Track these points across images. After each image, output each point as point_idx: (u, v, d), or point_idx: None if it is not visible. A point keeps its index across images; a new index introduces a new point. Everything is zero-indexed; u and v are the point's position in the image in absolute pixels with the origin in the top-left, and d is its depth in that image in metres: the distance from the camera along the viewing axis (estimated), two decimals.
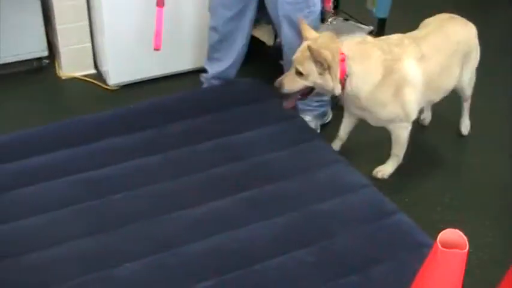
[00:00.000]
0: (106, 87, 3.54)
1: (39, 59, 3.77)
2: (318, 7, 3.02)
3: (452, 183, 3.00)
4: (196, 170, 2.57)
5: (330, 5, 3.16)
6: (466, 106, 3.25)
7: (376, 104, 2.69)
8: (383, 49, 2.67)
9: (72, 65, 3.72)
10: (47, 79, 3.72)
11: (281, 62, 3.54)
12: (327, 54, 2.54)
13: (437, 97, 2.95)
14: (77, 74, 3.73)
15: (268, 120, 2.83)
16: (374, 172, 2.88)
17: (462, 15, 3.03)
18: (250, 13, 3.15)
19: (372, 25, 4.05)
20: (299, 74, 2.62)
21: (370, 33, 4.00)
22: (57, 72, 3.76)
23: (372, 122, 2.82)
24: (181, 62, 3.71)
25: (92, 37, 3.70)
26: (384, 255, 2.20)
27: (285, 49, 3.04)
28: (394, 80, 2.65)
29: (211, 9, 3.17)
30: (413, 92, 2.71)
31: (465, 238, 1.52)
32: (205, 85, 3.36)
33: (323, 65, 2.55)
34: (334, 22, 4.14)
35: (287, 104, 2.78)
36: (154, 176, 2.52)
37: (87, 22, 3.65)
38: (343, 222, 2.32)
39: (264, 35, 3.85)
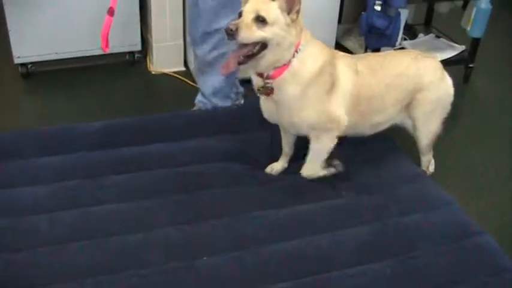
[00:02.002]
0: (194, 84, 3.61)
1: (132, 53, 3.90)
2: None
3: None
4: (274, 177, 2.61)
5: None
6: (423, 162, 2.80)
7: (307, 99, 2.34)
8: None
9: (163, 61, 3.83)
10: (137, 73, 3.84)
11: None
12: (298, 1, 2.19)
13: (363, 126, 2.57)
14: (167, 70, 3.82)
15: None
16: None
17: None
18: None
19: (465, 44, 4.00)
20: (260, 21, 2.15)
21: (462, 52, 3.95)
22: (148, 66, 3.87)
23: (291, 129, 2.49)
24: None
25: (185, 35, 3.78)
26: (464, 276, 2.14)
27: None
28: (330, 74, 2.36)
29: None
30: (343, 97, 2.41)
31: None
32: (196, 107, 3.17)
33: (293, 11, 2.19)
34: (426, 38, 4.12)
35: (226, 67, 2.27)
36: (242, 178, 2.56)
37: (181, 21, 3.74)
38: (425, 238, 2.28)
39: (356, 47, 3.86)
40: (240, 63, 2.23)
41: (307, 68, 2.30)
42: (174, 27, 3.75)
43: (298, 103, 2.35)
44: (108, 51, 2.72)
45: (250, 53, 2.21)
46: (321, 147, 2.49)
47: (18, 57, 3.62)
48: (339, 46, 3.94)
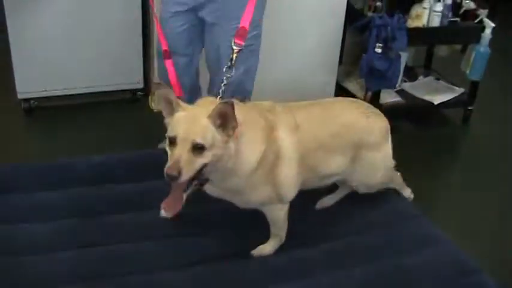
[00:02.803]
0: None
1: (135, 90, 3.93)
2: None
3: None
4: None
5: None
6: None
7: (251, 185, 2.16)
8: (261, 115, 2.20)
9: None
10: (138, 110, 3.86)
11: None
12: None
13: (314, 180, 2.40)
14: None
15: None
16: (252, 252, 2.35)
17: None
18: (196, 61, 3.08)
19: (464, 87, 4.04)
20: (198, 149, 1.93)
21: (461, 95, 3.99)
22: (149, 105, 3.90)
23: (240, 205, 2.27)
24: None
25: None
26: None
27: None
28: (271, 153, 2.16)
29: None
30: (288, 167, 2.22)
31: None
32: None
33: (229, 128, 1.98)
34: (425, 80, 4.17)
35: (173, 209, 2.06)
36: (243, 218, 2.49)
37: None
38: (423, 278, 2.28)
39: (357, 89, 3.89)
40: (185, 199, 2.06)
41: (246, 162, 2.11)
42: None
43: (243, 191, 2.19)
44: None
45: (190, 180, 1.99)
46: (274, 221, 2.34)
47: (22, 92, 3.65)
48: (340, 88, 3.98)
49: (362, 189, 2.57)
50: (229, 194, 2.23)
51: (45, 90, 3.69)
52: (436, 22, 3.65)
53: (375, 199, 2.67)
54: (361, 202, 2.65)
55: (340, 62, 3.92)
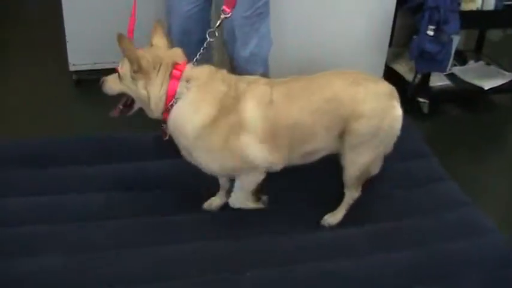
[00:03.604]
0: None
1: None
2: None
3: None
4: (322, 197, 2.62)
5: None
6: (345, 198, 2.52)
7: (205, 150, 2.24)
8: (230, 84, 2.25)
9: None
10: None
11: (419, 100, 3.53)
12: (141, 55, 2.14)
13: (291, 158, 2.35)
14: None
15: (399, 156, 2.80)
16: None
17: None
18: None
19: None
20: (119, 76, 2.25)
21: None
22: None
23: (206, 170, 2.35)
24: None
25: None
26: None
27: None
28: (230, 122, 2.20)
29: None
30: (253, 138, 2.22)
31: None
32: None
33: (134, 66, 2.15)
34: (476, 64, 4.10)
35: (113, 112, 2.38)
36: (277, 199, 2.57)
37: None
38: (467, 265, 2.28)
39: (406, 71, 3.85)
40: (121, 113, 2.35)
41: (188, 122, 2.20)
42: None
43: (197, 155, 2.27)
44: None
45: (126, 103, 2.32)
46: (245, 185, 2.41)
47: (73, 64, 3.70)
48: (389, 69, 3.94)
49: (350, 168, 2.40)
50: (190, 157, 2.29)
51: (97, 63, 3.73)
52: (490, 5, 3.57)
53: (424, 183, 2.67)
54: (410, 187, 2.65)
55: (390, 44, 3.88)
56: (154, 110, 2.21)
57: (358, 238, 2.37)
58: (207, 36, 2.37)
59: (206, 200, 2.53)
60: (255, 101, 2.23)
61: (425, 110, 3.67)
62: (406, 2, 3.65)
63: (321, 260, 2.25)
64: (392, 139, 2.41)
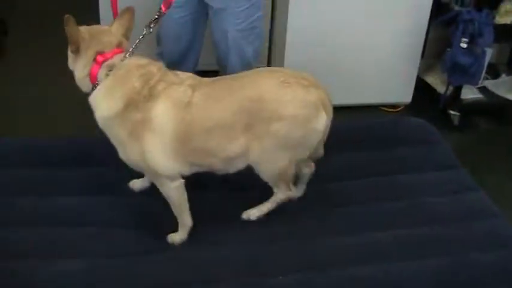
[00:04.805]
0: None
1: None
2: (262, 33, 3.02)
3: None
4: (353, 202, 2.61)
5: None
6: (275, 194, 2.44)
7: (112, 137, 2.24)
8: (147, 82, 2.19)
9: None
10: None
11: (450, 112, 3.54)
12: (76, 31, 2.16)
13: (211, 162, 2.28)
14: None
15: (432, 164, 2.81)
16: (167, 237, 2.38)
17: None
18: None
19: None
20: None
21: None
22: None
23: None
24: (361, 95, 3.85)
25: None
26: None
27: None
28: (135, 119, 2.16)
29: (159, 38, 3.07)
30: (158, 142, 2.17)
31: None
32: None
33: (72, 48, 2.20)
34: (508, 78, 4.10)
35: None
36: (306, 203, 2.58)
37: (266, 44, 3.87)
38: (493, 277, 2.27)
39: (437, 83, 3.86)
40: None
41: (97, 108, 2.23)
42: None
43: (114, 139, 2.26)
44: None
45: None
46: (167, 196, 2.34)
47: None
48: (420, 81, 3.96)
49: (265, 171, 2.32)
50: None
51: None
52: None
53: (453, 193, 2.67)
54: (439, 196, 2.66)
55: (422, 55, 3.90)
56: (80, 86, 2.27)
57: (387, 244, 2.38)
58: (144, 29, 2.38)
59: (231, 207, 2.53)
60: (169, 103, 2.18)
61: (456, 122, 3.68)
62: (440, 14, 3.68)
63: (351, 265, 2.27)
64: (311, 148, 2.34)
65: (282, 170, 2.33)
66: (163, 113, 2.17)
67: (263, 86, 2.23)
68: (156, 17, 2.42)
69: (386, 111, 3.92)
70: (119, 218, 2.43)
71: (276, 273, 2.20)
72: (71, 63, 2.26)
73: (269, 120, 2.18)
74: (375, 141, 2.94)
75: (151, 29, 2.39)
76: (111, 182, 2.59)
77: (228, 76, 2.44)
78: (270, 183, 2.39)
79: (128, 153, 2.24)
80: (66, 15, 2.11)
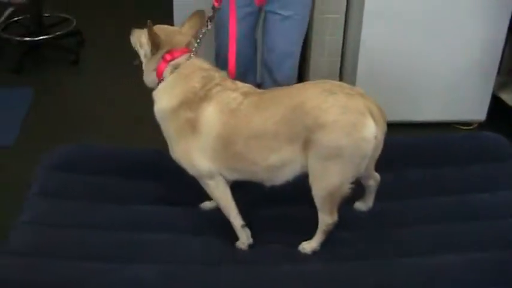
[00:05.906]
0: None
1: None
2: None
3: None
4: (427, 220, 2.54)
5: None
6: (319, 221, 2.32)
7: (164, 131, 2.38)
8: (205, 84, 2.30)
9: None
10: None
11: None
12: (156, 35, 2.34)
13: (252, 171, 2.30)
14: None
15: (508, 183, 2.73)
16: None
17: None
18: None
19: None
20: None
21: None
22: None
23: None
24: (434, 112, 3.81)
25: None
26: None
27: None
28: (185, 117, 2.27)
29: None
30: (200, 142, 2.26)
31: None
32: None
33: (153, 50, 2.38)
34: None
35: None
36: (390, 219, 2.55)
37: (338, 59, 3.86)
38: None
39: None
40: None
41: (157, 102, 2.37)
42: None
43: (165, 133, 2.39)
44: None
45: None
46: (212, 196, 2.45)
47: None
48: (494, 98, 3.87)
49: (317, 188, 2.24)
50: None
51: None
52: None
53: (482, 189, 2.62)
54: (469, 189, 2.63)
55: (498, 72, 3.81)
56: (146, 81, 2.44)
57: (463, 269, 2.31)
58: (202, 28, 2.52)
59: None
60: (218, 107, 2.25)
61: None
62: None
63: (389, 256, 2.30)
64: (361, 160, 2.21)
65: (333, 189, 2.23)
66: (210, 115, 2.26)
67: (306, 95, 2.22)
68: (214, 12, 2.57)
69: (460, 128, 3.86)
70: (193, 227, 2.47)
71: None
72: (141, 55, 2.45)
73: (311, 128, 2.15)
74: (450, 155, 2.88)
75: (208, 26, 2.53)
76: (181, 192, 2.63)
77: (281, 87, 2.45)
78: (317, 204, 2.28)
79: (173, 148, 2.36)
80: (149, 21, 2.30)
